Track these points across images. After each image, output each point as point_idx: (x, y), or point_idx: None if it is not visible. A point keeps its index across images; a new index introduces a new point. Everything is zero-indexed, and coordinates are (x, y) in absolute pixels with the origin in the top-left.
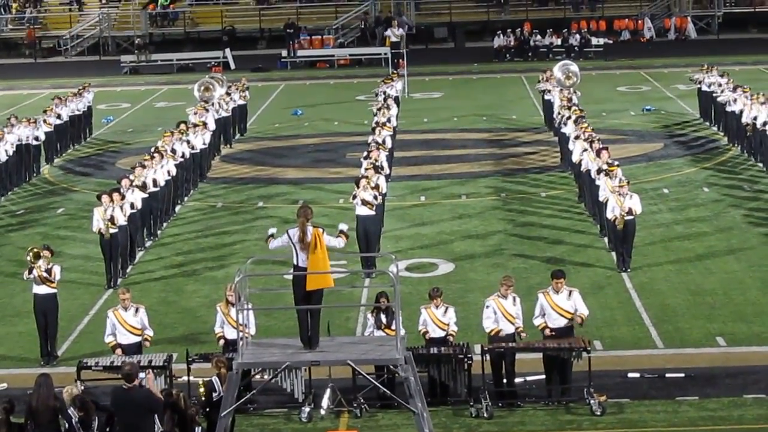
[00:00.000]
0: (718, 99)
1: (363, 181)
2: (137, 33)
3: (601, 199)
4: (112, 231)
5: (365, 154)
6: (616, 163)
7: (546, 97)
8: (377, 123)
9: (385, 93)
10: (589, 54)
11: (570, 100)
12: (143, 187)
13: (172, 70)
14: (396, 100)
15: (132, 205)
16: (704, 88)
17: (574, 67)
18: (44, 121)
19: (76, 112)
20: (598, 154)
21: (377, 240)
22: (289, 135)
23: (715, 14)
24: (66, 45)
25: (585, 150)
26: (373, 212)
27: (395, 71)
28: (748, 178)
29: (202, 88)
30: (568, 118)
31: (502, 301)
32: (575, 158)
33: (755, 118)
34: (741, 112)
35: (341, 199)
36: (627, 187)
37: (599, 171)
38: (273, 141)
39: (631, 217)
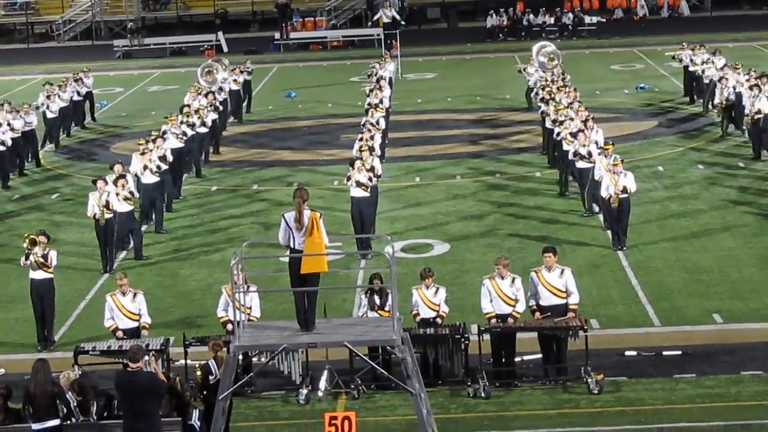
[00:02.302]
0: (705, 76)
1: (357, 163)
2: (129, 17)
3: (596, 178)
4: (107, 216)
5: (359, 136)
6: (611, 141)
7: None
8: (369, 104)
9: (377, 74)
10: (583, 33)
11: (553, 81)
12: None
13: (165, 54)
14: (389, 81)
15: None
16: (691, 67)
17: (550, 47)
18: (47, 107)
19: (77, 97)
20: (574, 136)
21: (372, 221)
22: (283, 117)
23: None
24: (58, 30)
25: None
26: (367, 194)
27: (388, 52)
28: (742, 154)
29: (205, 71)
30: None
31: (498, 281)
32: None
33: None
34: (734, 89)
35: (336, 181)
36: (621, 165)
37: (575, 154)
38: (267, 124)
39: (625, 196)
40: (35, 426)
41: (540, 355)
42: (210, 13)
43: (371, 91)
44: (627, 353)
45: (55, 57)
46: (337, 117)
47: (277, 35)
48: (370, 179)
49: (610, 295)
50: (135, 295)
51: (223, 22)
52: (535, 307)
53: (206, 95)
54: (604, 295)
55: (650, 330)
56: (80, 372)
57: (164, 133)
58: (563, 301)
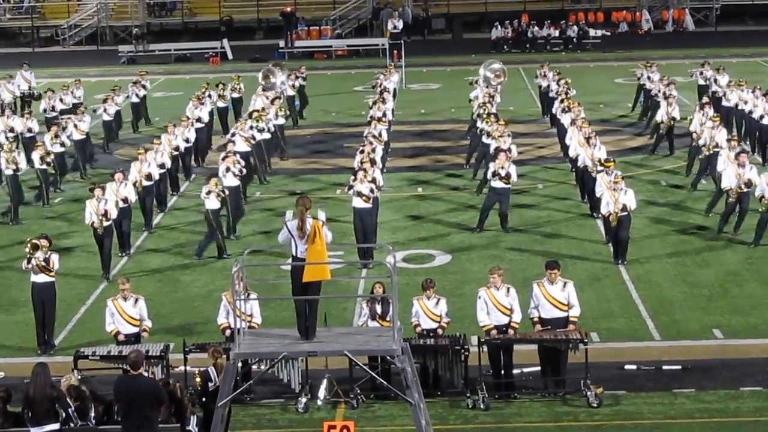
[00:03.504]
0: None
1: (360, 174)
2: (135, 23)
3: (597, 194)
4: (105, 224)
5: (361, 148)
6: (612, 158)
7: (542, 90)
8: (372, 117)
9: (382, 85)
10: (587, 45)
11: (492, 97)
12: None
13: (170, 60)
14: (393, 92)
15: (125, 200)
16: (701, 82)
17: (498, 64)
18: (104, 110)
19: (135, 100)
20: (495, 154)
21: (374, 232)
22: (287, 126)
23: (713, 6)
24: (64, 34)
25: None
26: (369, 204)
27: (392, 62)
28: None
29: (264, 75)
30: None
31: (494, 291)
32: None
33: (750, 113)
34: (736, 105)
35: (338, 190)
36: (622, 182)
37: (494, 174)
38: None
39: (625, 213)
40: (34, 430)
41: (539, 368)
42: (215, 20)
43: (374, 103)
44: (627, 367)
45: (60, 61)
46: (341, 126)
47: (282, 43)
48: (371, 190)
49: (610, 308)
50: (136, 300)
51: (228, 29)
52: (536, 318)
53: (273, 101)
54: (604, 308)
55: (650, 344)
56: (80, 377)
57: (233, 135)
58: (564, 314)
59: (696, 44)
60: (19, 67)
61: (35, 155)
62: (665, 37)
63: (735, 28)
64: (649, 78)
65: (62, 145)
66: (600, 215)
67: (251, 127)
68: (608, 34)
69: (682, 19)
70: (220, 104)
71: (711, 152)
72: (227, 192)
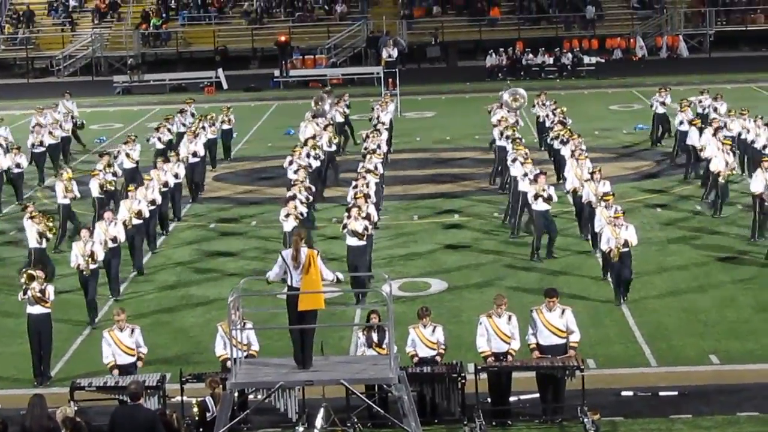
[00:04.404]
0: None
1: (354, 211)
2: (130, 53)
3: (596, 229)
4: (92, 267)
5: (353, 183)
6: (611, 192)
7: (540, 120)
8: (366, 149)
9: (378, 117)
10: (582, 73)
11: (516, 122)
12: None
13: (165, 90)
14: (390, 123)
15: (115, 239)
16: (699, 110)
17: (521, 90)
18: (158, 138)
19: (182, 129)
20: (535, 179)
21: (368, 269)
22: (282, 155)
23: (707, 33)
24: (59, 65)
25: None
26: (363, 242)
27: (387, 91)
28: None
29: (315, 102)
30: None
31: (496, 319)
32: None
33: (753, 142)
34: (739, 135)
35: (334, 219)
36: (623, 217)
37: (536, 196)
38: (265, 161)
39: (626, 249)
40: None
41: (537, 395)
42: (210, 49)
43: (367, 136)
44: (623, 393)
45: (55, 92)
46: (336, 154)
47: (276, 72)
48: (366, 228)
49: (607, 334)
50: (132, 330)
51: (223, 59)
52: (534, 345)
53: (325, 127)
54: (601, 334)
55: (647, 370)
56: (76, 408)
57: (290, 163)
58: (563, 341)
59: (690, 71)
60: (61, 97)
61: (93, 184)
62: (659, 64)
63: (729, 54)
64: (663, 104)
65: (115, 174)
66: (599, 251)
67: (308, 155)
68: (603, 61)
69: (676, 45)
70: (210, 135)
71: (726, 179)
72: (304, 215)
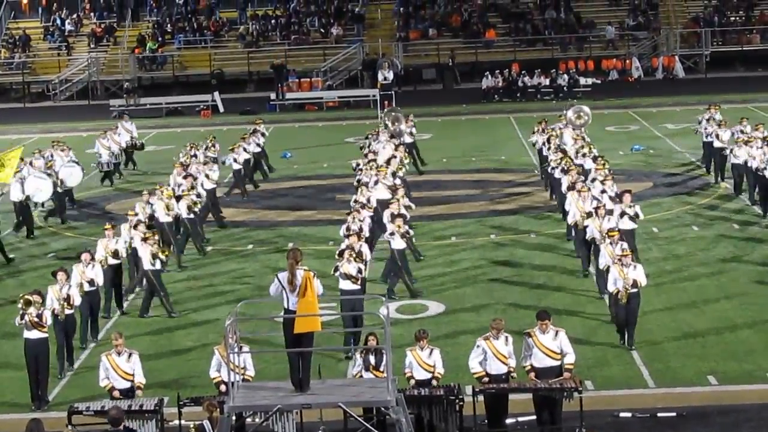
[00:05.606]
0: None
1: (346, 253)
2: (126, 77)
3: (601, 267)
4: (67, 312)
5: (347, 218)
6: (617, 227)
7: (538, 147)
8: (359, 181)
9: (370, 146)
10: (578, 94)
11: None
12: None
13: (161, 114)
14: (413, 143)
15: (92, 282)
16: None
17: (586, 108)
18: (234, 159)
19: (256, 149)
20: (619, 197)
21: (363, 317)
22: (278, 178)
23: (703, 53)
24: (55, 89)
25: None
26: (357, 286)
27: (383, 114)
28: (737, 216)
29: (392, 121)
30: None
31: (494, 341)
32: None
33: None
34: (746, 162)
35: (331, 242)
36: (631, 256)
37: (622, 214)
38: (261, 184)
39: (635, 290)
40: None
41: (534, 416)
42: (206, 73)
43: (357, 166)
44: (621, 414)
45: (51, 116)
46: (333, 177)
47: (273, 95)
48: (359, 270)
49: (605, 355)
50: (130, 355)
51: (219, 83)
52: (529, 367)
53: (397, 147)
54: (599, 355)
55: (645, 391)
56: None
57: (376, 183)
58: (557, 363)
59: (686, 91)
60: (119, 118)
61: (183, 205)
62: (655, 85)
63: (725, 74)
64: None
65: (198, 195)
66: (606, 293)
67: (393, 174)
68: (599, 82)
69: (672, 66)
70: (408, 139)
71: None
72: (411, 233)
